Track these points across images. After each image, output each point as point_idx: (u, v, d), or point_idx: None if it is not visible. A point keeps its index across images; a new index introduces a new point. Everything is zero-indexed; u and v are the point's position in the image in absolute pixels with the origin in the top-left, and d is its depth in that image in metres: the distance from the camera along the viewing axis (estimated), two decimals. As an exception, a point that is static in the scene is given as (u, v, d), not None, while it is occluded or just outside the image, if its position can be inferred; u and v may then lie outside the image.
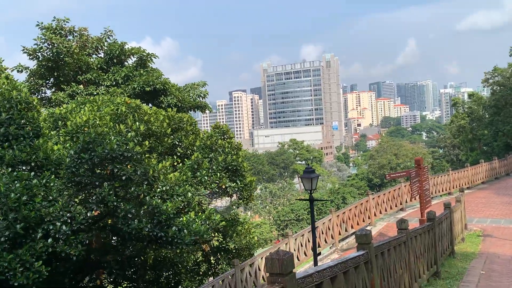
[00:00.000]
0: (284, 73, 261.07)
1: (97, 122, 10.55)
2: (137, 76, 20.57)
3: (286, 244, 14.13)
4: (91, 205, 9.61)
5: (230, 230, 15.66)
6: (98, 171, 9.71)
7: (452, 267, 10.15)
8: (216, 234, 14.79)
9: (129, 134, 10.31)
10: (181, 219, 11.72)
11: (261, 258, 13.19)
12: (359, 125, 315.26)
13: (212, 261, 16.49)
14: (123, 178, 9.62)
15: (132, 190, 10.02)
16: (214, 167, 13.10)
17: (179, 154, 13.87)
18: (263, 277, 13.26)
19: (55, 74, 19.97)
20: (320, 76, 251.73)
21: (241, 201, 16.01)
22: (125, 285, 15.30)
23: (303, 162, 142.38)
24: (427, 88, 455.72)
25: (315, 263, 10.52)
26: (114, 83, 20.83)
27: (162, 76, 21.36)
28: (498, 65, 46.92)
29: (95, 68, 21.12)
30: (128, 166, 9.82)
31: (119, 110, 12.10)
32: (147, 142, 11.77)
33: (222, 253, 15.66)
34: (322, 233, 15.33)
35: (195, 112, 23.74)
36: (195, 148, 13.79)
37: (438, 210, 18.86)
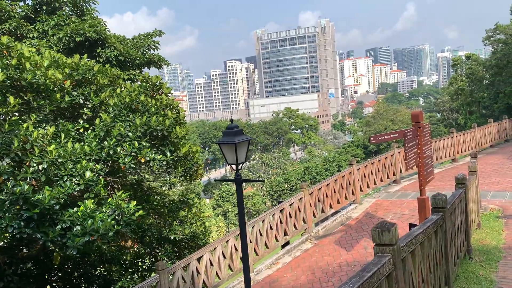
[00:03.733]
0: (279, 40, 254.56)
1: None
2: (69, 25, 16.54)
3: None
4: None
5: (169, 217, 12.00)
6: None
7: (471, 281, 6.41)
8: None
9: None
10: (75, 210, 8.08)
11: (199, 258, 9.54)
12: (355, 92, 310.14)
13: (158, 253, 12.92)
14: None
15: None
16: (130, 133, 9.29)
17: (85, 117, 10.00)
18: (204, 282, 9.65)
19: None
20: (316, 42, 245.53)
21: (182, 178, 12.29)
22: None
23: (299, 130, 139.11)
24: (424, 52, 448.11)
25: (247, 283, 6.81)
26: (42, 35, 16.80)
27: (101, 24, 17.26)
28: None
29: (17, 17, 17.02)
30: None
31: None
32: (12, 98, 7.96)
33: (161, 245, 12.07)
34: (290, 216, 11.66)
35: (148, 69, 19.70)
36: (110, 109, 9.92)
37: (442, 184, 15.29)
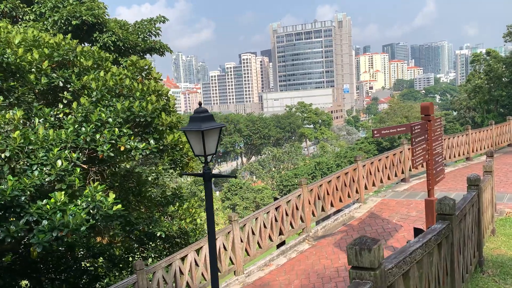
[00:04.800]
0: (295, 34, 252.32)
1: None
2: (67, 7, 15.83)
3: (229, 232, 9.66)
4: None
5: (156, 212, 11.22)
6: None
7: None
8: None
9: None
10: (44, 203, 7.38)
11: (183, 257, 8.76)
12: (371, 88, 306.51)
13: (148, 249, 12.19)
14: None
15: None
16: (110, 119, 8.51)
17: (65, 102, 9.25)
18: (188, 284, 8.88)
19: None
20: (332, 37, 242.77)
21: (172, 170, 11.51)
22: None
23: (311, 125, 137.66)
24: (442, 49, 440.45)
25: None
26: (39, 18, 16.15)
27: (100, 8, 16.52)
28: None
29: (13, -2, 16.37)
30: None
31: None
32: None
33: (152, 241, 11.31)
34: (287, 214, 10.80)
35: (151, 56, 18.94)
36: (94, 93, 9.15)
37: (454, 184, 14.27)
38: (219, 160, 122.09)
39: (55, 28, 15.40)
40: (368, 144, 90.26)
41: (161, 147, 9.26)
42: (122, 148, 8.39)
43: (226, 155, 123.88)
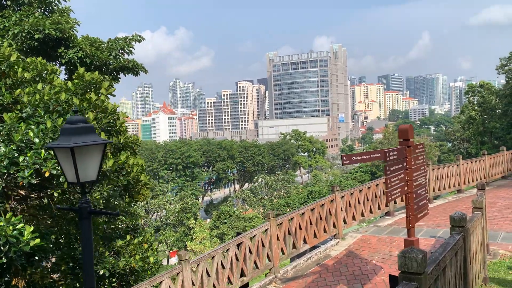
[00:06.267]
0: (291, 63, 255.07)
1: None
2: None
3: (178, 274, 8.24)
4: None
5: (101, 247, 9.79)
6: None
7: None
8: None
9: None
10: None
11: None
12: (366, 117, 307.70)
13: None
14: None
15: None
16: (37, 139, 7.25)
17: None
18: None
19: None
20: (328, 67, 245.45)
21: (122, 200, 10.14)
22: None
23: (306, 153, 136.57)
24: (436, 81, 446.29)
25: None
26: (3, 32, 15.10)
27: (68, 22, 15.49)
28: None
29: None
30: None
31: None
32: None
33: (101, 280, 9.80)
34: (250, 252, 9.41)
35: (125, 75, 17.80)
36: (28, 108, 7.93)
37: (444, 219, 12.50)
38: (211, 187, 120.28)
39: (16, 42, 14.28)
40: (362, 174, 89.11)
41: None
42: (47, 174, 7.08)
43: (219, 181, 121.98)
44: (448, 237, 4.94)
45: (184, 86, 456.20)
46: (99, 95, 9.22)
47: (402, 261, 3.30)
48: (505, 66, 43.27)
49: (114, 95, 10.28)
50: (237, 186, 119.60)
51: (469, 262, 5.44)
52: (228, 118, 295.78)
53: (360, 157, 6.89)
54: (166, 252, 64.68)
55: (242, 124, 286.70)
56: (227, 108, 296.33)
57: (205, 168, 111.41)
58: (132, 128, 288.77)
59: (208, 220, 78.01)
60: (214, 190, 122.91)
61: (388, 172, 6.48)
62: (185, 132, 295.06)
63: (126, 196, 9.64)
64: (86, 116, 7.97)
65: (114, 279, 9.79)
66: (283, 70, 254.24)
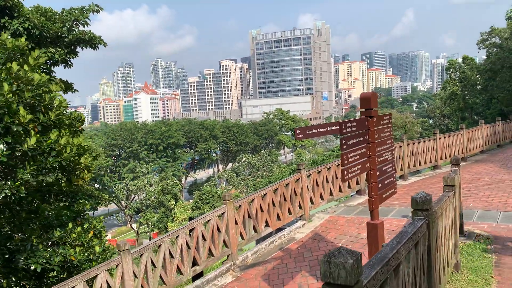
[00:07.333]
0: (274, 41, 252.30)
1: None
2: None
3: (117, 266, 7.30)
4: None
5: (35, 238, 8.74)
6: None
7: None
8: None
9: None
10: None
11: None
12: (349, 95, 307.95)
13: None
14: None
15: None
16: None
17: None
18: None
19: None
20: (311, 45, 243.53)
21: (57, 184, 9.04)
22: None
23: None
24: (419, 58, 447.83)
25: None
26: None
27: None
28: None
29: None
30: None
31: None
32: None
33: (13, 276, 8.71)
34: (204, 239, 8.50)
35: (82, 49, 16.39)
36: None
37: (407, 195, 11.94)
38: (194, 168, 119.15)
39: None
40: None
41: (17, 154, 6.87)
42: (-51, 154, 5.99)
43: (202, 162, 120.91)
44: (407, 224, 4.07)
45: (166, 65, 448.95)
46: (23, 65, 8.04)
47: (326, 269, 2.32)
48: (486, 40, 42.60)
49: (49, 69, 9.14)
50: (220, 167, 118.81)
51: (434, 252, 4.59)
52: (211, 98, 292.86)
53: (316, 130, 5.95)
54: (148, 234, 63.93)
55: (225, 104, 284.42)
56: (210, 88, 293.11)
57: (187, 148, 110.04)
58: (114, 109, 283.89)
59: (191, 200, 77.30)
60: (197, 170, 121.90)
61: (345, 147, 5.55)
62: (168, 112, 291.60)
63: (63, 181, 8.59)
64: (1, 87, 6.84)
65: (51, 274, 8.83)
66: (266, 49, 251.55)
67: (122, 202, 74.32)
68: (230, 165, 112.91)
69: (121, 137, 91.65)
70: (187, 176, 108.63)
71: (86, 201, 11.91)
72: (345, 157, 5.55)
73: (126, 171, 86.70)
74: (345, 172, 5.52)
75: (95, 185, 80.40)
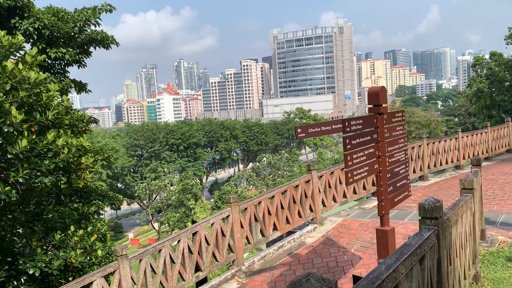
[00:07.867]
0: (295, 40, 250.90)
1: None
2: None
3: (114, 272, 6.99)
4: None
5: (35, 241, 8.53)
6: None
7: None
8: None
9: None
10: None
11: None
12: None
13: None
14: None
15: None
16: None
17: None
18: None
19: None
20: (333, 43, 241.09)
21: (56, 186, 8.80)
22: None
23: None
24: (444, 55, 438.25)
25: None
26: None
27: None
28: None
29: None
30: None
31: None
32: None
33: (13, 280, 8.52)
34: (208, 243, 8.13)
35: (95, 49, 16.26)
36: None
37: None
38: (215, 167, 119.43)
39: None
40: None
41: (8, 157, 6.63)
42: None
43: (223, 161, 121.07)
44: (412, 236, 3.57)
45: (188, 66, 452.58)
46: (18, 64, 7.82)
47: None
48: (516, 35, 41.10)
49: (64, 69, 8.92)
50: (241, 166, 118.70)
51: (446, 264, 4.07)
52: (232, 98, 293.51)
53: (319, 129, 5.50)
54: (169, 233, 64.19)
55: (247, 104, 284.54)
56: (232, 88, 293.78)
57: (208, 148, 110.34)
58: (137, 109, 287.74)
59: (212, 200, 77.31)
60: (218, 170, 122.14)
61: (349, 147, 5.06)
62: (190, 112, 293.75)
63: (62, 182, 8.35)
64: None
65: (54, 277, 8.60)
66: (288, 47, 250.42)
67: (144, 202, 74.93)
68: (250, 164, 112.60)
69: (143, 137, 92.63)
70: (208, 175, 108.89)
71: (100, 202, 11.72)
72: (349, 158, 5.06)
73: (148, 170, 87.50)
74: (349, 175, 5.03)
75: (118, 184, 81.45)
